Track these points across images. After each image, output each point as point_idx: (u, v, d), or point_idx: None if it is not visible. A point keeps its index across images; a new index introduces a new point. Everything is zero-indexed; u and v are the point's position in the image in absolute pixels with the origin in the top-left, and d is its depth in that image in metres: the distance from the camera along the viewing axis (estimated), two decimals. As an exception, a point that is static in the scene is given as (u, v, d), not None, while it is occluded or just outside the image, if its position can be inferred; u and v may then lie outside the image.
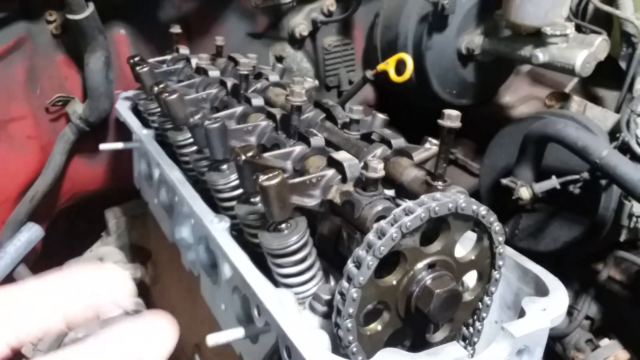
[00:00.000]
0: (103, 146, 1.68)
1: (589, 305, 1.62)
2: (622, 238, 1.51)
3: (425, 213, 0.79)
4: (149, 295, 2.13)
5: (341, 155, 1.00)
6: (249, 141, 1.22)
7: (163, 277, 1.99)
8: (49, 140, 1.88)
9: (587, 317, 1.65)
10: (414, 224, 0.79)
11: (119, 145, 1.69)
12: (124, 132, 1.82)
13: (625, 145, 1.40)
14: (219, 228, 1.11)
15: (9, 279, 1.77)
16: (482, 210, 0.84)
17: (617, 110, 1.65)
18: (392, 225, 0.78)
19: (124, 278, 0.41)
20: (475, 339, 0.99)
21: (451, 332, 0.93)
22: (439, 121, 0.88)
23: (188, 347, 1.66)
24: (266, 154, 1.07)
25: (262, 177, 0.88)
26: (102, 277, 0.40)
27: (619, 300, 1.62)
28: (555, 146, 1.36)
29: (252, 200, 1.07)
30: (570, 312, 1.64)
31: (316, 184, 0.98)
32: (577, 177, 1.35)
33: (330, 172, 0.99)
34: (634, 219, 1.46)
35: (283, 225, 0.95)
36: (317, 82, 2.10)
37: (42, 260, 1.98)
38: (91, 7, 1.67)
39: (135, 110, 1.73)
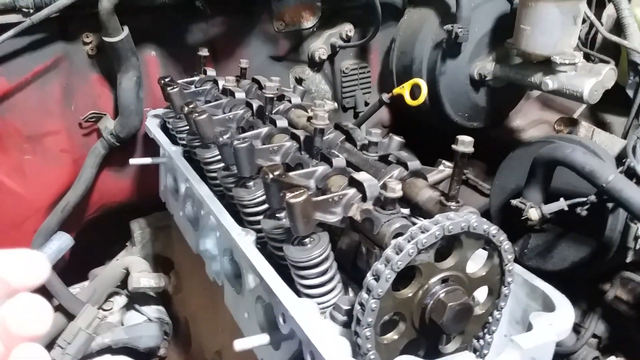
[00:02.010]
0: (133, 161, 1.77)
1: (596, 324, 1.64)
2: (629, 259, 1.53)
3: (439, 231, 0.85)
4: (170, 303, 2.18)
5: (362, 176, 1.06)
6: (274, 160, 1.28)
7: (185, 286, 2.05)
8: (80, 154, 1.97)
9: (594, 336, 1.67)
10: (429, 241, 0.84)
11: (148, 160, 1.77)
12: (151, 148, 1.91)
13: (631, 170, 1.43)
14: (245, 241, 1.17)
15: (39, 285, 1.85)
16: (493, 229, 0.90)
17: (624, 136, 1.69)
18: (409, 241, 0.84)
19: (35, 256, 0.44)
20: (486, 351, 1.04)
21: (463, 344, 0.98)
22: (453, 146, 0.93)
23: (209, 354, 1.71)
24: (291, 173, 1.14)
25: (289, 195, 0.93)
26: (11, 256, 0.44)
27: (625, 319, 1.64)
28: (564, 169, 1.41)
29: (277, 215, 1.13)
30: (577, 330, 1.66)
31: (338, 202, 1.04)
32: (584, 199, 1.38)
33: (351, 191, 1.05)
34: (640, 241, 1.49)
35: (307, 240, 1.01)
36: (335, 104, 2.18)
37: (70, 267, 2.06)
38: (126, 31, 1.77)
39: (163, 127, 1.82)
